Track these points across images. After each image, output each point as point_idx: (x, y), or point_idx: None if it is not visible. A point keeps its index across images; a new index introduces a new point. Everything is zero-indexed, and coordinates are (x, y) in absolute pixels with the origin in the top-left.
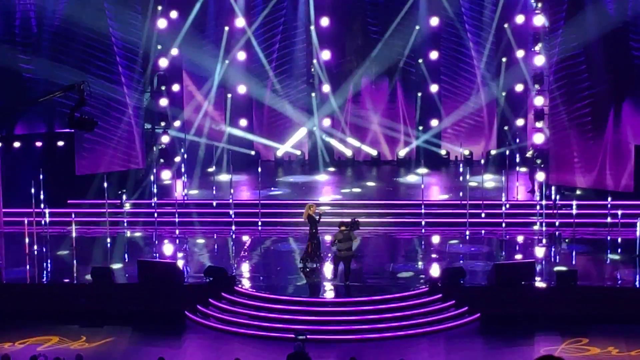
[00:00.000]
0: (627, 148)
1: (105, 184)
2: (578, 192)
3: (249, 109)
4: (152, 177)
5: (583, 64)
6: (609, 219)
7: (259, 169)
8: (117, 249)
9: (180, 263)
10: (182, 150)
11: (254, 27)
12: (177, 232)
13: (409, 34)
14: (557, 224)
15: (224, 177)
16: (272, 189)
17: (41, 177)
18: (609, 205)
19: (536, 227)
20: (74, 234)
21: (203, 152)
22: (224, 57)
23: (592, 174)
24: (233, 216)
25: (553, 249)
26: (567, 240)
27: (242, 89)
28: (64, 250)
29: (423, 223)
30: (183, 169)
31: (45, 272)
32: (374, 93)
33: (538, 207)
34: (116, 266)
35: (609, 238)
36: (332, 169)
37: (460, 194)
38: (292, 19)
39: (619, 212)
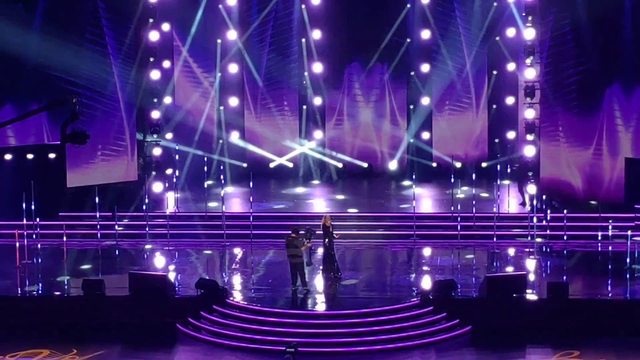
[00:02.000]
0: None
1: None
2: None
3: (240, 120)
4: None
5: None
6: (599, 234)
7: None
8: (108, 261)
9: (171, 275)
10: (175, 160)
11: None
12: (168, 244)
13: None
14: (541, 239)
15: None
16: (263, 201)
17: (32, 189)
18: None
19: (539, 240)
20: (65, 246)
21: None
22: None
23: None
24: (225, 228)
25: (544, 261)
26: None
27: (234, 102)
28: (55, 262)
29: (414, 235)
30: (175, 181)
31: (36, 284)
32: (367, 103)
33: (529, 219)
34: (107, 279)
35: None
36: (317, 182)
37: (452, 207)
38: (286, 29)
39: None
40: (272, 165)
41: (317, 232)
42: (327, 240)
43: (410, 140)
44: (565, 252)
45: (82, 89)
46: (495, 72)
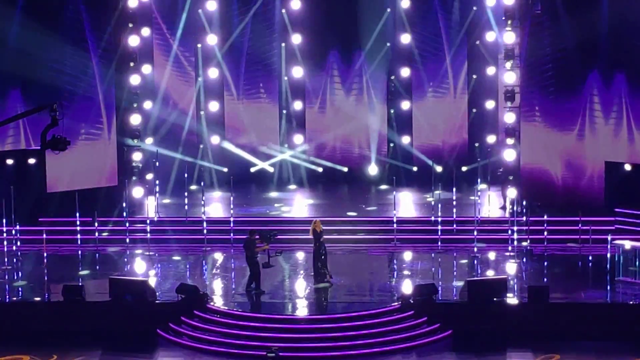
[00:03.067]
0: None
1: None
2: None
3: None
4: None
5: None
6: (579, 239)
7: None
8: (88, 266)
9: (152, 281)
10: (155, 164)
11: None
12: (149, 249)
13: (382, 50)
14: (528, 241)
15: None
16: (245, 206)
17: (12, 194)
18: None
19: (525, 243)
20: (45, 252)
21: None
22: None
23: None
24: (206, 233)
25: (525, 265)
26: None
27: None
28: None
29: (395, 240)
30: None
31: (16, 290)
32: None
33: (509, 223)
34: (88, 284)
35: (579, 254)
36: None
37: (432, 213)
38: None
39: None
40: (253, 169)
41: (279, 236)
42: (316, 245)
43: (391, 144)
44: (545, 255)
45: (63, 84)
46: (475, 77)
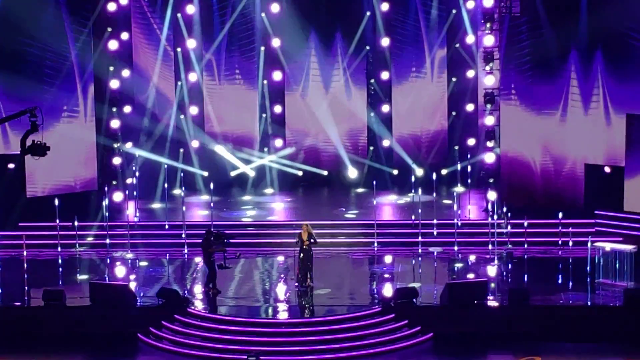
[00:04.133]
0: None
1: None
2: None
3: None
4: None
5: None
6: (559, 241)
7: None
8: (69, 271)
9: (132, 285)
10: (134, 168)
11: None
12: (129, 253)
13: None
14: (508, 244)
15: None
16: (225, 209)
17: None
18: (559, 225)
19: (510, 246)
20: (25, 257)
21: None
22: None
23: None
24: (185, 237)
25: (505, 268)
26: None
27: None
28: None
29: (375, 243)
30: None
31: None
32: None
33: (490, 226)
34: (68, 288)
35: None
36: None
37: (413, 216)
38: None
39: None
40: (233, 173)
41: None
42: (304, 247)
43: (371, 148)
44: (525, 258)
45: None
46: (454, 79)
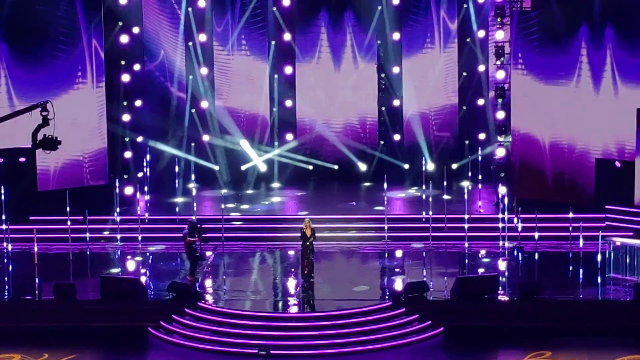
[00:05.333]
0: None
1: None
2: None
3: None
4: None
5: None
6: (570, 235)
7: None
8: (79, 265)
9: (143, 279)
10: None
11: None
12: (139, 247)
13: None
14: (519, 238)
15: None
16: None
17: (2, 193)
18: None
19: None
20: (35, 250)
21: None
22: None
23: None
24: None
25: (516, 262)
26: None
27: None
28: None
29: (386, 237)
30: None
31: (6, 289)
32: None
33: (500, 220)
34: (79, 282)
35: (570, 251)
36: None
37: (423, 212)
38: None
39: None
40: (243, 167)
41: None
42: (307, 243)
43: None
44: (536, 252)
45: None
46: (465, 74)
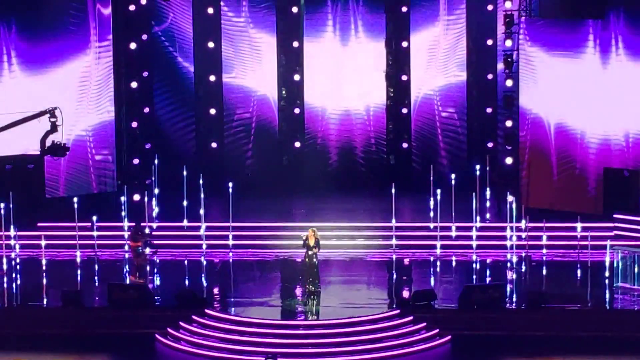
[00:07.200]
0: None
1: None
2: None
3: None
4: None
5: None
6: (578, 244)
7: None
8: (87, 272)
9: (150, 286)
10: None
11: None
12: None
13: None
14: (526, 247)
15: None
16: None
17: (10, 200)
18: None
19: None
20: (43, 257)
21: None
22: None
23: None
24: (204, 238)
25: (523, 271)
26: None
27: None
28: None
29: (393, 245)
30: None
31: (14, 295)
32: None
33: (508, 229)
34: (86, 289)
35: (578, 261)
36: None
37: (432, 223)
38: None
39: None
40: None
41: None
42: (310, 252)
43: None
44: (544, 261)
45: None
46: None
